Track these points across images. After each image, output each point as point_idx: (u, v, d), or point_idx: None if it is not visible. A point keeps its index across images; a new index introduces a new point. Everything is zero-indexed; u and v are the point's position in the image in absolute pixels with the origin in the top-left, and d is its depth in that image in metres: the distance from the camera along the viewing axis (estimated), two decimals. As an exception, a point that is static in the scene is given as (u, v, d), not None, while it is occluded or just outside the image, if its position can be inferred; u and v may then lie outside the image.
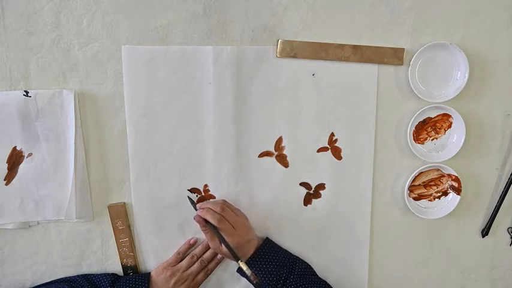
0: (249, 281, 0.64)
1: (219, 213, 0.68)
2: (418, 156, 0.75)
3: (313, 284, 0.71)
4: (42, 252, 0.75)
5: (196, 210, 0.71)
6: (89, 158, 0.72)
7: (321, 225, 0.78)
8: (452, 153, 0.75)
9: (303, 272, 0.71)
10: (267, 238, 0.75)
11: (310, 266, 0.75)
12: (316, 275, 0.74)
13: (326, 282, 0.74)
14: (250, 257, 0.69)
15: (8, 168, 0.71)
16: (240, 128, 0.74)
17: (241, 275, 0.73)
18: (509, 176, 0.79)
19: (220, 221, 0.67)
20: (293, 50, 0.72)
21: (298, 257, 0.75)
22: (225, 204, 0.71)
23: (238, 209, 0.74)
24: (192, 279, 0.73)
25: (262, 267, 0.69)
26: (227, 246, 0.65)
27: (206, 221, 0.68)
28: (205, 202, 0.73)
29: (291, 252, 0.75)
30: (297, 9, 0.71)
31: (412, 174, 0.76)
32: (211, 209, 0.68)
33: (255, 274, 0.65)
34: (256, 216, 0.75)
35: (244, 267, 0.63)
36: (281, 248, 0.75)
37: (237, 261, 0.64)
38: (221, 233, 0.67)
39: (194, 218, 0.68)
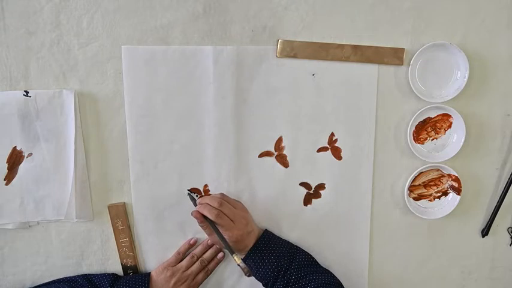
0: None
1: (217, 208, 0.67)
2: (418, 156, 0.75)
3: (315, 273, 0.70)
4: (42, 252, 0.75)
5: (195, 206, 0.71)
6: (89, 158, 0.72)
7: (321, 225, 0.78)
8: (452, 153, 0.75)
9: (304, 262, 0.71)
10: (266, 230, 0.74)
11: (311, 255, 0.74)
12: (318, 264, 0.74)
13: (328, 271, 0.73)
14: (250, 249, 0.69)
15: (8, 168, 0.71)
16: (240, 128, 0.74)
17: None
18: (509, 176, 0.79)
19: (218, 216, 0.66)
20: (293, 50, 0.72)
21: (298, 247, 0.74)
22: (223, 198, 0.71)
23: (238, 202, 0.74)
24: (192, 279, 0.73)
25: (263, 258, 0.69)
26: (222, 240, 0.66)
27: (204, 217, 0.68)
28: (203, 197, 0.72)
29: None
30: (297, 9, 0.71)
31: (412, 174, 0.76)
32: (209, 204, 0.68)
33: (252, 266, 0.68)
34: (256, 216, 0.75)
35: (238, 261, 0.63)
36: (281, 238, 0.74)
37: (232, 254, 0.64)
38: (219, 228, 0.67)
39: (192, 214, 0.68)
